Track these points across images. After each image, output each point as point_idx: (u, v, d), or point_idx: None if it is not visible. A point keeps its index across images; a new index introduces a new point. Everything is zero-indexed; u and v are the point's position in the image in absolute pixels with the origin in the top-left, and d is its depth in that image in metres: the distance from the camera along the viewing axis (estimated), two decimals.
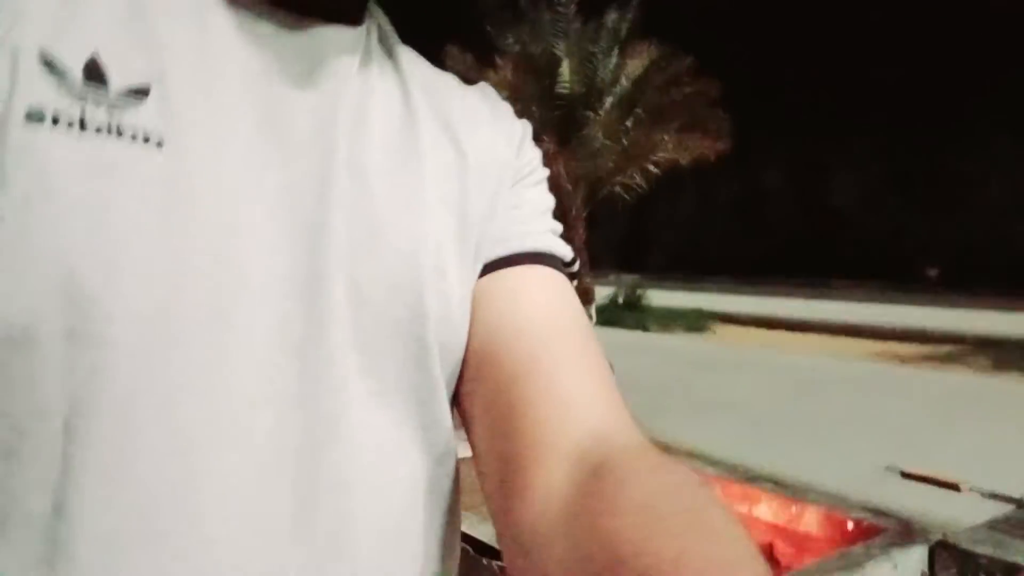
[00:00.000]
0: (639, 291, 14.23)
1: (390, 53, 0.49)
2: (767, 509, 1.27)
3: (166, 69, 0.37)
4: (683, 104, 13.75)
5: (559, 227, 0.53)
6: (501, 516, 0.42)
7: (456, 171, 0.47)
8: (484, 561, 0.98)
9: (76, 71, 0.35)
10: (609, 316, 12.08)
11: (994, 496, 1.07)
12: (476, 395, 0.46)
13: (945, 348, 9.83)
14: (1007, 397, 6.92)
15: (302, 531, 0.39)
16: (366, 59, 0.46)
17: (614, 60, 13.94)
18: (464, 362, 0.47)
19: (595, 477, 0.37)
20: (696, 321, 12.53)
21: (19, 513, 0.34)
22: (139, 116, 0.36)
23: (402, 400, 0.44)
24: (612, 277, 16.67)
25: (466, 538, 1.04)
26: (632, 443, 0.42)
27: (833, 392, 7.13)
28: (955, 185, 22.75)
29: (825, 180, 25.80)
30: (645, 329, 12.02)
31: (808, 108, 25.93)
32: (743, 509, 1.31)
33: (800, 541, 1.18)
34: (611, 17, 14.11)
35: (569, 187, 14.10)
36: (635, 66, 13.48)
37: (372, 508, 0.42)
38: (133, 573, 0.35)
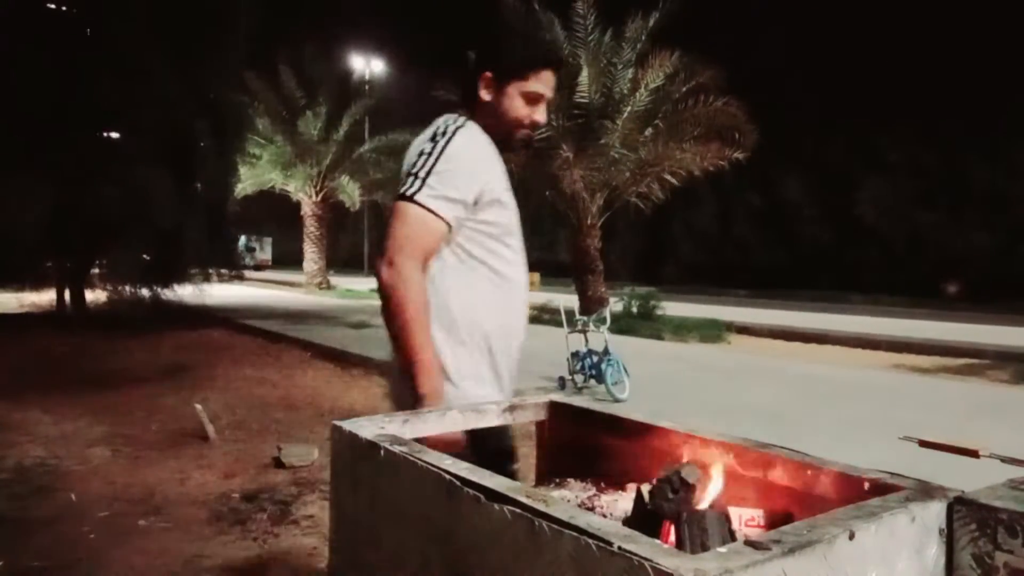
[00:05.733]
0: (653, 301, 14.16)
1: None
2: (782, 473, 1.26)
3: None
4: (704, 114, 13.73)
5: None
6: None
7: None
8: (496, 507, 0.97)
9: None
10: (624, 325, 12.04)
11: (1013, 461, 1.05)
12: None
13: (963, 360, 9.73)
14: None
15: None
16: None
17: (632, 70, 13.94)
18: None
19: None
20: (711, 331, 12.46)
21: None
22: None
23: None
24: (628, 288, 16.62)
25: (477, 486, 1.04)
26: None
27: (849, 398, 7.08)
28: (980, 199, 22.48)
29: (846, 192, 25.58)
30: (659, 338, 11.96)
31: (830, 119, 25.78)
32: (758, 474, 1.30)
33: (816, 503, 1.16)
34: (631, 27, 14.12)
35: (586, 196, 14.13)
36: (654, 76, 13.45)
37: None
38: None
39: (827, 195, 26.14)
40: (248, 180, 22.28)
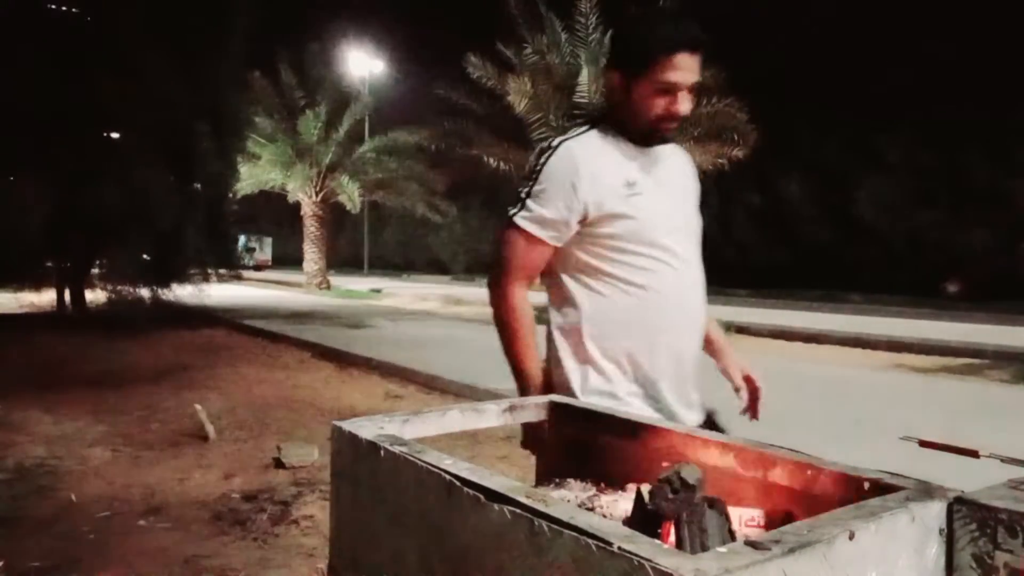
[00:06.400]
0: None
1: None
2: (782, 473, 1.25)
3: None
4: (704, 114, 13.71)
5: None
6: None
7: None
8: (496, 507, 0.97)
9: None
10: None
11: (1013, 461, 1.05)
12: None
13: (963, 360, 9.72)
14: None
15: None
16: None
17: None
18: None
19: None
20: None
21: None
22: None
23: None
24: None
25: (477, 486, 1.04)
26: None
27: (849, 398, 7.07)
28: (980, 198, 22.43)
29: (845, 192, 25.53)
30: None
31: (830, 119, 25.74)
32: (758, 474, 1.30)
33: (816, 503, 1.16)
34: None
35: None
36: None
37: None
38: None
39: (827, 195, 26.09)
40: (248, 180, 22.26)
